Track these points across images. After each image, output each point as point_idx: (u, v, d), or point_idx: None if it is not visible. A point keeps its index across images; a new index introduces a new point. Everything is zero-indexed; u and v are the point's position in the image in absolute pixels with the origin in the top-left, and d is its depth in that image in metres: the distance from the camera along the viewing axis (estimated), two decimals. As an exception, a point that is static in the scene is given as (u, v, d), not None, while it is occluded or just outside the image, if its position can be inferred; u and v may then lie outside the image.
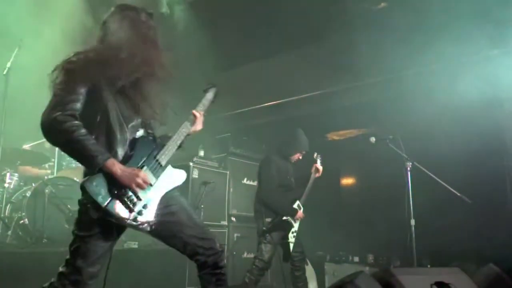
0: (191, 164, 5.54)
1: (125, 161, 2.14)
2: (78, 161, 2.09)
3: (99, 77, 2.11)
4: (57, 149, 5.19)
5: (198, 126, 2.52)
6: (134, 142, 2.20)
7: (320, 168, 4.55)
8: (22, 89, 4.76)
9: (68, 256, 2.12)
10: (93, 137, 2.07)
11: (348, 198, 6.66)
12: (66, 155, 5.30)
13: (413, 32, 4.87)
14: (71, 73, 2.07)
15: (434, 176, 3.95)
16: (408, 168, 4.00)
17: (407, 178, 3.99)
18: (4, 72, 4.54)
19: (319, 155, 4.61)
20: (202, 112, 2.56)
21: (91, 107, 2.10)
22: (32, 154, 5.22)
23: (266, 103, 6.95)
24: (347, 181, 6.95)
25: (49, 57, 5.02)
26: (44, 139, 5.48)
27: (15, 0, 5.08)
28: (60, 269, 2.11)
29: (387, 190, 5.17)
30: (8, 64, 4.57)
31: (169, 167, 2.33)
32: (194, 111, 2.52)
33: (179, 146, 2.43)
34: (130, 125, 2.20)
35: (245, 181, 6.27)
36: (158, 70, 2.29)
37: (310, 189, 4.50)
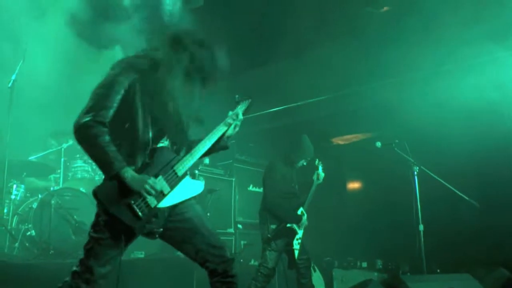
0: (196, 172, 5.55)
1: (142, 169, 2.19)
2: (97, 165, 2.20)
3: (138, 86, 2.19)
4: (62, 160, 5.21)
5: (226, 140, 2.52)
6: (153, 152, 2.24)
7: (322, 175, 4.53)
8: (27, 101, 4.79)
9: (82, 256, 2.20)
10: (118, 143, 2.15)
11: (355, 203, 6.62)
12: (71, 166, 5.40)
13: (418, 35, 4.85)
14: (113, 77, 2.17)
15: (441, 180, 3.91)
16: (415, 173, 3.96)
17: (414, 182, 3.95)
18: (9, 85, 4.57)
19: (320, 162, 4.59)
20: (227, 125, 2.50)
21: (122, 113, 2.18)
22: (38, 165, 5.21)
23: (271, 109, 6.94)
24: (353, 185, 6.91)
25: (54, 69, 5.10)
26: (49, 151, 5.51)
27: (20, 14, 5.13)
28: (74, 268, 2.19)
29: (394, 195, 5.13)
30: (13, 77, 4.59)
31: (187, 177, 2.35)
32: (219, 127, 2.47)
33: (225, 148, 2.50)
34: (154, 134, 2.24)
35: (251, 188, 6.26)
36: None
37: (313, 196, 4.47)
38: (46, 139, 5.56)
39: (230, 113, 2.54)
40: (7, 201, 4.81)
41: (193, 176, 5.48)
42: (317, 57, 6.06)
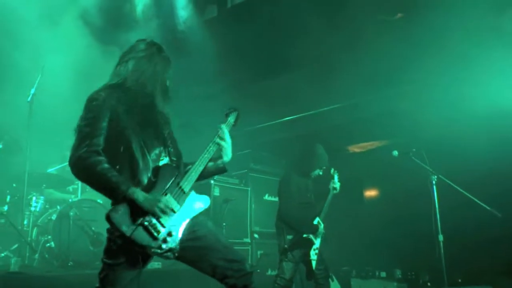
0: (212, 182, 5.55)
1: (148, 189, 2.18)
2: (103, 194, 2.17)
3: (119, 109, 2.22)
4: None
5: (227, 154, 2.50)
6: (157, 170, 2.23)
7: (338, 184, 4.49)
8: (46, 114, 4.89)
9: (97, 284, 2.17)
10: (117, 167, 2.16)
11: (373, 211, 6.54)
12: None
13: (435, 41, 4.78)
14: (94, 108, 2.19)
15: (461, 190, 3.81)
16: (433, 182, 3.88)
17: (433, 191, 3.87)
18: (28, 99, 4.66)
19: (336, 171, 4.55)
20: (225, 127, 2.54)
21: (114, 139, 2.19)
22: (57, 177, 5.31)
23: (285, 118, 6.93)
24: (371, 193, 6.84)
25: (71, 83, 5.20)
26: (67, 163, 5.59)
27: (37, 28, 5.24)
28: None
29: (412, 203, 5.05)
30: (32, 91, 4.69)
31: (193, 193, 2.34)
32: (220, 126, 2.52)
33: (222, 171, 2.52)
34: (152, 153, 2.25)
35: (266, 197, 6.24)
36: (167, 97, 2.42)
37: (329, 205, 4.43)
38: (63, 151, 5.66)
39: (222, 126, 2.54)
40: (27, 212, 4.90)
41: (209, 187, 5.49)
42: (331, 65, 6.03)
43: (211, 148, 2.45)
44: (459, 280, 4.71)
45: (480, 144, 4.70)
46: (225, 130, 2.50)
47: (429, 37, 4.81)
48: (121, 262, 2.13)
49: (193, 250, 2.26)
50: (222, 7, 7.07)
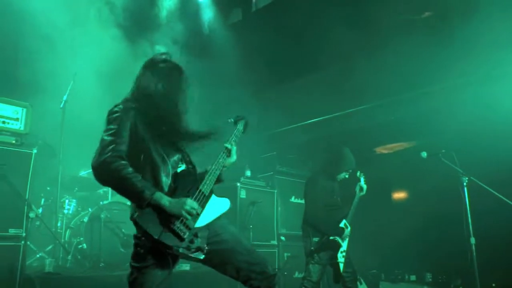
0: (238, 184, 5.58)
1: (170, 193, 2.25)
2: (128, 198, 2.22)
3: (137, 120, 2.28)
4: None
5: (232, 157, 2.56)
6: (176, 176, 2.31)
7: (364, 187, 4.43)
8: (78, 120, 5.04)
9: None
10: (140, 175, 2.20)
11: (402, 213, 6.41)
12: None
13: (464, 40, 4.67)
14: (115, 120, 2.25)
15: (493, 191, 3.69)
16: (464, 184, 3.78)
17: (464, 194, 3.77)
18: (61, 106, 4.82)
19: (362, 174, 4.49)
20: (233, 144, 2.59)
21: (134, 148, 2.26)
22: (88, 180, 5.46)
23: (312, 120, 6.90)
24: (399, 195, 6.71)
25: (102, 87, 5.32)
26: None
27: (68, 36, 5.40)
28: None
29: (443, 205, 4.94)
30: (64, 98, 4.84)
31: (213, 196, 2.41)
32: (226, 145, 2.56)
33: (219, 180, 2.49)
34: (172, 160, 2.32)
35: (293, 199, 6.23)
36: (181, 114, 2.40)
37: (356, 208, 4.38)
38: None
39: (233, 136, 2.61)
40: (60, 215, 5.07)
41: (235, 189, 5.53)
42: (358, 66, 5.98)
43: (224, 155, 2.51)
44: (493, 285, 4.58)
45: (513, 143, 4.56)
46: (232, 146, 2.55)
47: (458, 37, 4.70)
48: (150, 265, 2.18)
49: (218, 253, 2.33)
50: (247, 11, 7.12)
